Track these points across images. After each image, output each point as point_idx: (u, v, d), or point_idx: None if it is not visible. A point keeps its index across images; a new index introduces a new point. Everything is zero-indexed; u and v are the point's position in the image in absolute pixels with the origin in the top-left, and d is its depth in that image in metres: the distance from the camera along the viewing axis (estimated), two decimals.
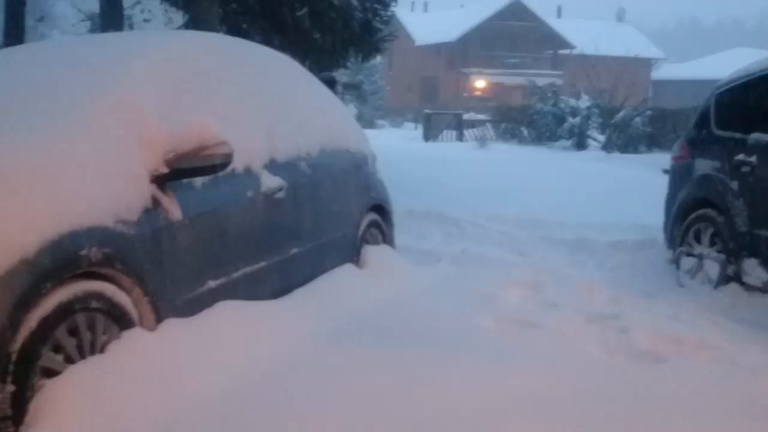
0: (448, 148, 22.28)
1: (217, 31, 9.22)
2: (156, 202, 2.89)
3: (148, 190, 2.86)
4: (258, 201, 3.58)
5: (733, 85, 5.60)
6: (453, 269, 5.37)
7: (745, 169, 5.05)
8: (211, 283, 3.19)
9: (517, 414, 2.65)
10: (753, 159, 4.99)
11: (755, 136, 5.05)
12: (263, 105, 3.90)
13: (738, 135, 5.24)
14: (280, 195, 3.74)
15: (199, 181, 3.17)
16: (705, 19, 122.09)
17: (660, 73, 51.74)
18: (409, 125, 35.77)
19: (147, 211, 2.82)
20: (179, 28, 11.71)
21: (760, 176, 4.93)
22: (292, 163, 3.97)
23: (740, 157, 5.10)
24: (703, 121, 5.80)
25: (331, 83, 8.49)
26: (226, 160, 3.08)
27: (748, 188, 5.02)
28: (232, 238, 3.38)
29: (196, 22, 9.97)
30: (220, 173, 3.20)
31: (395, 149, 19.09)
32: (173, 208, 2.96)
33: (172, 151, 2.94)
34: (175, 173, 2.97)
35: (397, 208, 7.65)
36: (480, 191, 10.72)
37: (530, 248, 6.89)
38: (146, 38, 3.98)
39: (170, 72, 3.32)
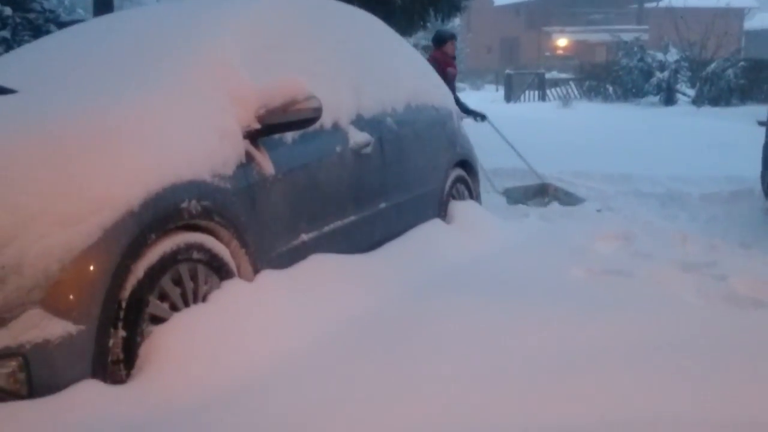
0: (530, 108, 21.93)
1: None
2: (249, 157, 2.96)
3: (241, 145, 2.93)
4: (346, 156, 3.62)
5: None
6: (541, 224, 5.32)
7: None
8: (304, 237, 3.26)
9: (612, 357, 2.62)
10: None
11: None
12: (350, 62, 3.93)
13: None
14: (368, 150, 3.78)
15: (289, 136, 3.23)
16: None
17: (753, 22, 49.29)
18: (490, 87, 35.29)
19: (241, 166, 2.90)
20: None
21: None
22: (379, 119, 4.00)
23: None
24: None
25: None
26: (316, 114, 3.11)
27: None
28: (322, 192, 3.44)
29: None
30: (310, 129, 3.26)
31: (477, 110, 18.88)
32: (266, 163, 3.03)
33: (263, 107, 3.00)
34: (267, 129, 3.03)
35: (484, 166, 7.64)
36: (565, 149, 10.54)
37: (620, 203, 6.77)
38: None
39: (259, 31, 3.39)
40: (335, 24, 4.06)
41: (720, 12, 24.75)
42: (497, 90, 30.81)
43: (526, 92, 25.99)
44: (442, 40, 7.75)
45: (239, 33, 3.28)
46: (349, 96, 3.78)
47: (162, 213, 2.50)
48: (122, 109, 2.61)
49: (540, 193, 7.28)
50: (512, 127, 13.69)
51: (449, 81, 7.42)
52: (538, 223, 5.32)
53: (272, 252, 3.05)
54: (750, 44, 42.30)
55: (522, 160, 7.82)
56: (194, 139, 2.74)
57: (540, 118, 16.32)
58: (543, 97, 25.32)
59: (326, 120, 3.46)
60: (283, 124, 3.07)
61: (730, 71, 19.86)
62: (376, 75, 4.15)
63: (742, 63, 20.60)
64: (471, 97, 28.34)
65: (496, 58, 46.85)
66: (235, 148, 2.90)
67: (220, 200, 2.74)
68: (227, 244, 2.82)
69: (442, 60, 7.48)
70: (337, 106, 3.63)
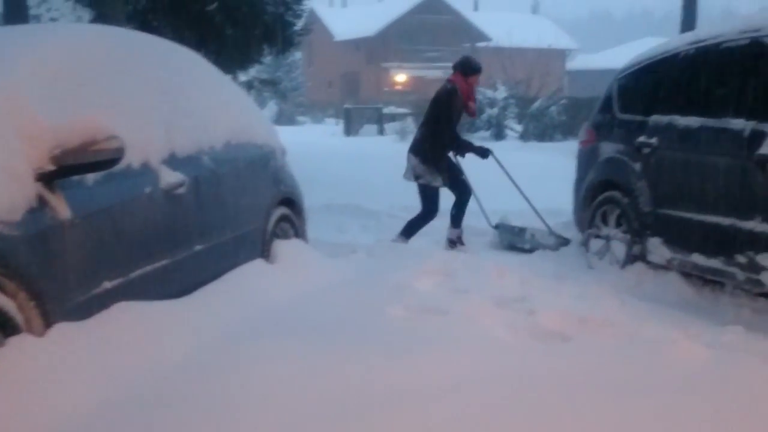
0: (368, 142, 22.32)
1: (124, 27, 8.99)
2: (42, 201, 2.76)
3: (32, 188, 2.72)
4: (157, 197, 3.47)
5: (632, 70, 5.74)
6: (367, 260, 5.34)
7: (647, 150, 5.19)
8: (107, 284, 3.07)
9: (423, 399, 2.63)
10: (653, 140, 5.14)
11: (655, 118, 5.20)
12: (162, 99, 3.79)
13: (639, 118, 5.39)
14: (181, 190, 3.64)
15: (90, 178, 3.05)
16: (616, 10, 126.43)
17: (575, 63, 53.01)
18: (331, 121, 35.72)
19: (32, 211, 2.69)
20: None
21: (660, 157, 5.08)
22: (195, 158, 3.87)
23: (641, 139, 5.24)
24: (606, 105, 5.94)
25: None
26: (117, 155, 2.97)
27: (650, 169, 5.16)
28: (129, 236, 3.27)
29: (102, 20, 9.68)
30: (115, 169, 3.09)
31: (316, 145, 19.05)
32: (61, 207, 2.83)
33: (59, 147, 2.82)
34: (63, 170, 2.84)
35: (316, 202, 7.62)
36: (398, 183, 10.66)
37: (446, 237, 6.93)
38: (34, 31, 3.81)
39: (58, 66, 3.18)
40: (148, 59, 3.91)
41: (543, 52, 26.37)
42: (337, 124, 31.19)
43: (365, 126, 26.49)
44: (471, 69, 6.66)
45: (35, 67, 3.07)
46: (161, 134, 3.64)
47: None
48: None
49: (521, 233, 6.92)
50: (349, 162, 13.89)
51: (461, 116, 6.76)
52: (364, 260, 5.33)
53: (69, 302, 2.84)
54: (572, 83, 45.37)
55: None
56: None
57: (377, 152, 16.62)
58: (381, 131, 25.86)
59: (134, 160, 3.31)
60: (81, 165, 2.89)
61: (552, 109, 21.14)
62: (193, 112, 4.02)
63: (563, 101, 21.99)
64: (311, 131, 28.61)
65: (337, 92, 47.50)
66: (24, 191, 2.69)
67: (3, 249, 2.53)
68: (13, 297, 2.58)
69: (466, 92, 6.62)
70: (147, 145, 3.48)
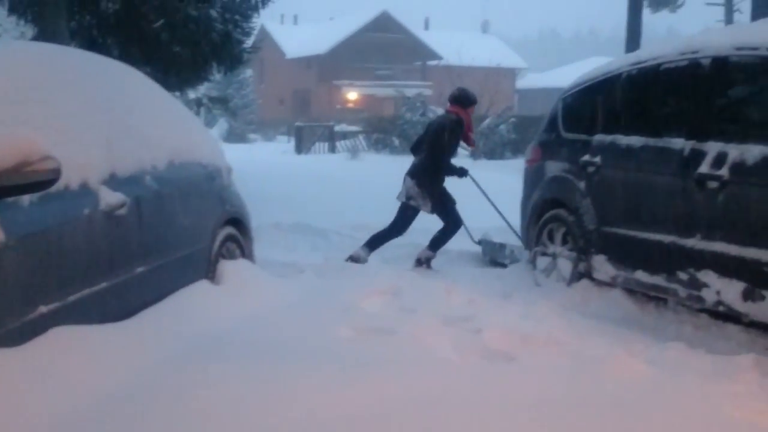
0: (320, 160, 22.31)
1: (68, 44, 8.84)
2: None
3: None
4: (96, 218, 3.38)
5: (576, 89, 5.83)
6: (315, 280, 5.30)
7: (591, 169, 5.26)
8: (43, 309, 2.97)
9: (372, 421, 2.61)
10: (597, 159, 5.21)
11: (598, 138, 5.28)
12: (102, 117, 3.71)
13: (583, 137, 5.47)
14: (122, 211, 3.56)
15: (26, 199, 2.96)
16: (564, 30, 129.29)
17: (524, 82, 53.86)
18: (282, 138, 35.65)
19: None
20: None
21: (604, 176, 5.16)
22: (136, 178, 3.80)
23: (586, 158, 5.32)
24: (552, 124, 6.02)
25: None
26: (53, 176, 2.89)
27: (594, 188, 5.24)
28: (66, 258, 3.17)
29: (44, 36, 9.51)
30: (52, 190, 3.01)
31: (267, 163, 18.96)
32: None
33: None
34: None
35: (265, 221, 7.57)
36: (349, 202, 10.75)
37: (395, 255, 6.94)
38: None
39: None
40: (87, 77, 3.83)
41: (492, 71, 26.71)
42: (289, 141, 31.12)
43: (317, 144, 26.48)
44: (469, 101, 7.10)
45: None
46: (101, 153, 3.56)
47: None
48: None
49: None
50: (300, 181, 13.82)
51: (458, 144, 7.17)
52: (313, 280, 5.28)
53: (1, 328, 2.74)
54: (522, 101, 46.07)
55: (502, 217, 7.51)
56: None
57: (328, 170, 16.60)
58: (333, 149, 25.89)
59: (72, 180, 3.23)
60: (15, 186, 2.81)
61: (502, 127, 21.39)
62: (135, 130, 3.95)
63: (512, 119, 22.28)
64: (262, 149, 28.45)
65: (288, 109, 47.43)
66: None
67: None
68: None
69: (467, 122, 7.04)
70: (86, 165, 3.39)
